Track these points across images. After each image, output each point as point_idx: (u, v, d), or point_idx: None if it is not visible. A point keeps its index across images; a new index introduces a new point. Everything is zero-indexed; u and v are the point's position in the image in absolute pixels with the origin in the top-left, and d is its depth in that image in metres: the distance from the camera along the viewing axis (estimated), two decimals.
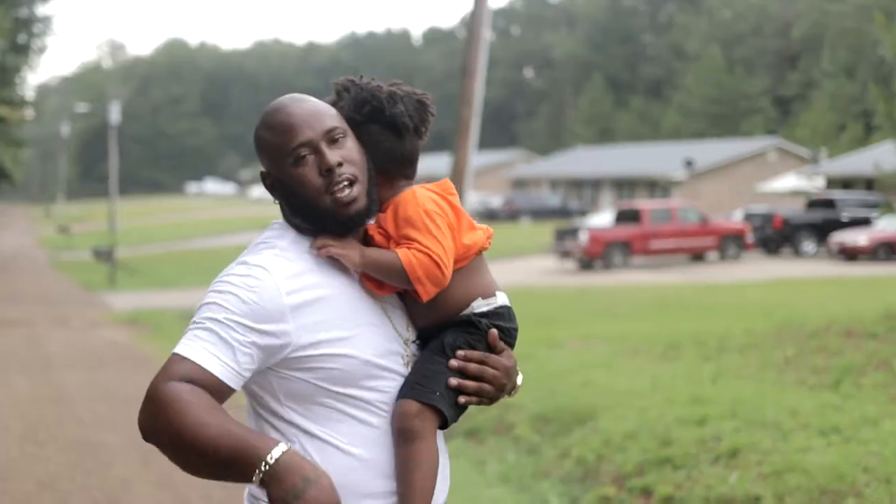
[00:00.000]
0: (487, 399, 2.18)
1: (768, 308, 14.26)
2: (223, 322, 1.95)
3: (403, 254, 2.09)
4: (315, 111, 2.11)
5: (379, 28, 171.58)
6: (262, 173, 2.13)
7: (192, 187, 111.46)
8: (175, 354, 1.93)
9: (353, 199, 2.06)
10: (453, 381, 2.12)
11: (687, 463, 6.29)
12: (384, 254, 2.11)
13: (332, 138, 2.08)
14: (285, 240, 2.09)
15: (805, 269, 24.36)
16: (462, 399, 2.15)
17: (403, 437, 2.09)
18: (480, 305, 2.17)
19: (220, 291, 1.98)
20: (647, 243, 27.06)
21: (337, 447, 2.05)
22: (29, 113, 39.80)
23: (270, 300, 1.97)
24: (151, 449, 2.05)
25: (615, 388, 8.36)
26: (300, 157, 2.05)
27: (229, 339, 1.94)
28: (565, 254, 27.11)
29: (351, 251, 2.08)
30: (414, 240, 2.10)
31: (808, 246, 29.02)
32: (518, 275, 24.72)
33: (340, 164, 2.05)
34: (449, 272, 2.11)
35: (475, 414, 8.68)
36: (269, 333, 1.97)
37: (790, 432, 6.50)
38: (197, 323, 1.97)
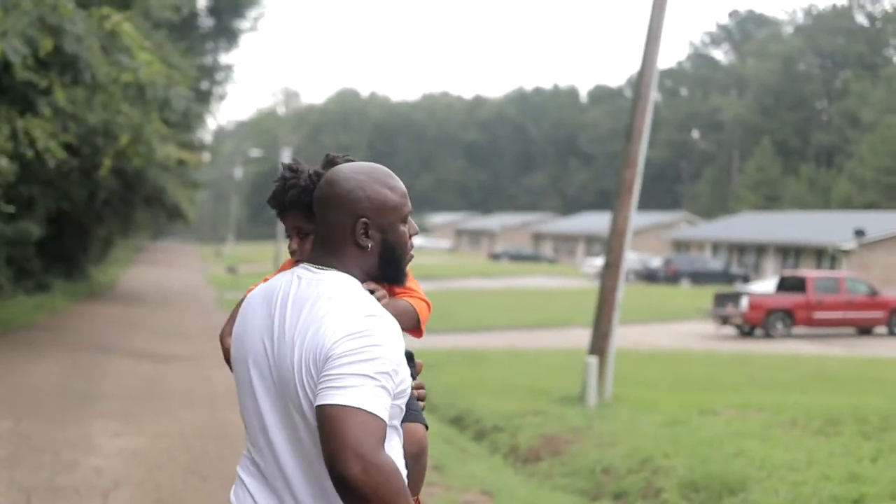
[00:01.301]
0: None
1: None
2: (389, 375, 2.12)
3: (415, 302, 2.60)
4: None
5: (546, 84, 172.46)
6: (363, 221, 2.28)
7: None
8: (371, 414, 2.04)
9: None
10: (421, 403, 2.66)
11: None
12: (398, 301, 2.56)
13: None
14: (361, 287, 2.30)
15: None
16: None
17: (422, 451, 2.61)
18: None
19: (378, 345, 2.11)
20: (810, 313, 26.29)
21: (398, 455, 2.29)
22: (206, 156, 41.61)
23: (402, 347, 2.23)
24: None
25: (769, 460, 8.21)
26: (405, 221, 2.38)
27: (389, 389, 2.12)
28: (724, 319, 26.56)
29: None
30: (413, 290, 2.61)
31: None
32: (675, 338, 24.40)
33: None
34: None
35: (624, 476, 8.67)
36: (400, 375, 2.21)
37: None
38: (374, 378, 2.08)
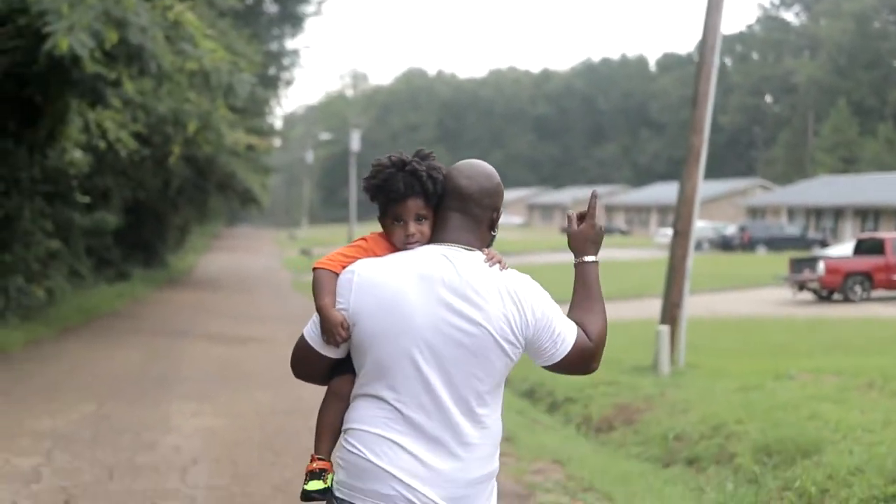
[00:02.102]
0: None
1: None
2: None
3: None
4: None
5: (614, 54, 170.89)
6: (498, 212, 2.92)
7: None
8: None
9: None
10: None
11: None
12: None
13: None
14: None
15: None
16: None
17: None
18: None
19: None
20: (890, 275, 25.76)
21: None
22: (276, 141, 42.02)
23: None
24: None
25: (844, 423, 8.10)
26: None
27: None
28: (801, 285, 26.16)
29: None
30: None
31: None
32: (750, 305, 24.13)
33: None
34: None
35: (696, 442, 8.64)
36: None
37: None
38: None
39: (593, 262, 2.95)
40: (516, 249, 49.28)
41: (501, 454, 8.12)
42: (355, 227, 47.38)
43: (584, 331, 2.83)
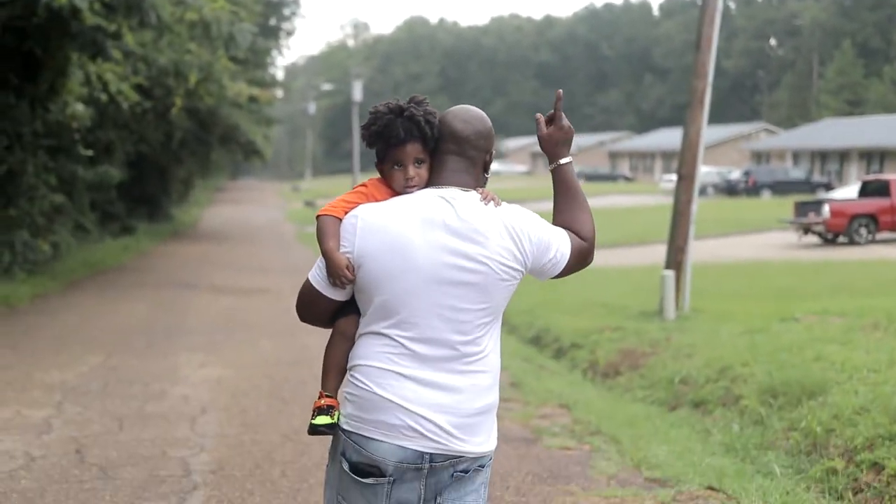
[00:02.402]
0: None
1: None
2: None
3: None
4: None
5: None
6: (491, 154, 2.98)
7: None
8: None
9: None
10: None
11: None
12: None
13: None
14: None
15: None
16: None
17: None
18: None
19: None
20: (895, 217, 25.73)
21: None
22: (278, 93, 41.83)
23: None
24: None
25: (849, 363, 8.12)
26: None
27: None
28: (806, 228, 26.12)
29: None
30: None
31: None
32: (755, 249, 24.13)
33: None
34: None
35: (702, 386, 8.68)
36: None
37: None
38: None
39: (568, 162, 3.07)
40: (520, 197, 49.20)
41: (508, 399, 8.16)
42: (359, 178, 47.26)
43: (576, 232, 2.99)
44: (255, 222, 40.34)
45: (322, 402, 2.89)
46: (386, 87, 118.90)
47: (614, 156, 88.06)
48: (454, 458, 2.79)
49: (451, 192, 2.84)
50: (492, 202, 2.86)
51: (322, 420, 2.86)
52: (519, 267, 2.83)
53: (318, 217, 2.90)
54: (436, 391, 2.77)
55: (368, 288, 2.80)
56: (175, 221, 35.78)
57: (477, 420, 2.82)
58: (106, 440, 6.87)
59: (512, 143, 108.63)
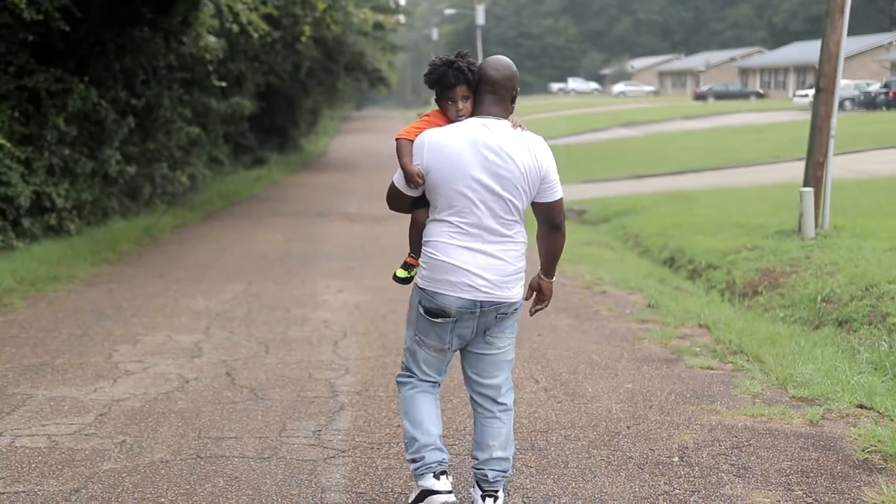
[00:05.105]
0: None
1: None
2: None
3: None
4: None
5: None
6: (517, 91, 4.05)
7: (554, 86, 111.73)
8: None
9: None
10: None
11: None
12: None
13: None
14: None
15: None
16: None
17: None
18: None
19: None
20: None
21: None
22: (402, 19, 41.74)
23: None
24: None
25: None
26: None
27: None
28: None
29: None
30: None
31: None
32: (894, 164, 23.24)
33: None
34: None
35: (847, 304, 8.46)
36: None
37: None
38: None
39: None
40: (647, 118, 48.29)
41: (646, 321, 8.09)
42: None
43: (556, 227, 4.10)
44: (381, 151, 40.59)
45: (408, 259, 4.17)
46: (508, 10, 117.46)
47: (745, 72, 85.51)
48: (497, 304, 3.96)
49: (489, 121, 3.93)
50: (518, 128, 3.95)
51: (402, 273, 4.19)
52: (533, 181, 3.91)
53: (396, 139, 3.98)
54: (484, 257, 3.92)
55: (434, 188, 3.92)
56: (304, 152, 36.31)
57: (513, 278, 3.98)
58: (254, 363, 7.08)
59: (638, 63, 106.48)
